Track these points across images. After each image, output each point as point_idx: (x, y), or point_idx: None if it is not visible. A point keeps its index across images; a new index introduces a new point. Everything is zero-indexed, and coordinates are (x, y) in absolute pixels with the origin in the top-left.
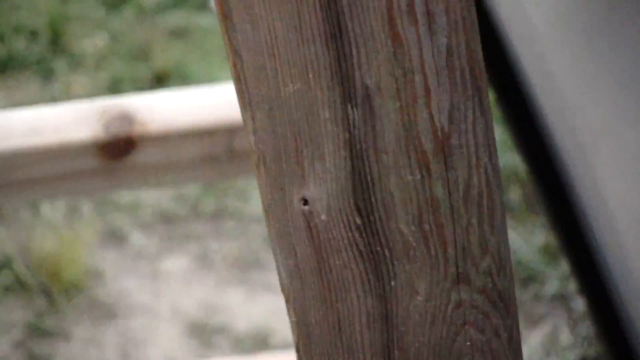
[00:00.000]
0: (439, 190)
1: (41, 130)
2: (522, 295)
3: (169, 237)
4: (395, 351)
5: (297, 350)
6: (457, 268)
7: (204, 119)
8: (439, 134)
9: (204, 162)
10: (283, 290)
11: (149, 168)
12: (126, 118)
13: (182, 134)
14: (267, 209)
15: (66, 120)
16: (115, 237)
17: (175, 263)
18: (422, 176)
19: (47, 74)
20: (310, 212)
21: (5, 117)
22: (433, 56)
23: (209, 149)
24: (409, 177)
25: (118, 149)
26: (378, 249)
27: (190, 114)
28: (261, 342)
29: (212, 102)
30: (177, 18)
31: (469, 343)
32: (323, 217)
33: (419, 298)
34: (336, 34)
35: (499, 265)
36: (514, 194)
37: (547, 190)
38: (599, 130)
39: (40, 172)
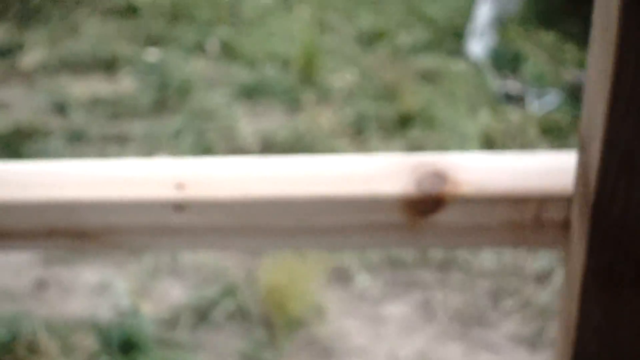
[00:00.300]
0: None
1: (351, 178)
2: None
3: (394, 282)
4: None
5: None
6: None
7: (516, 184)
8: None
9: (508, 229)
10: None
11: (453, 229)
12: (439, 176)
13: (493, 198)
14: None
15: (378, 171)
16: (341, 276)
17: (398, 309)
18: None
19: (293, 104)
20: None
21: (315, 163)
22: None
23: (516, 216)
24: None
25: (426, 206)
26: None
27: (503, 178)
28: None
29: (525, 167)
30: (429, 61)
31: None
32: None
33: None
34: None
35: None
36: None
37: None
38: None
39: (341, 221)
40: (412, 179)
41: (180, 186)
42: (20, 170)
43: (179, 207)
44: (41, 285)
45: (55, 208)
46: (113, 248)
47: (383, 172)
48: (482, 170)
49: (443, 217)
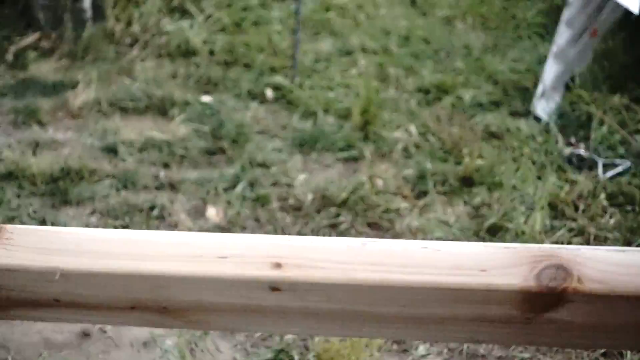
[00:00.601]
0: None
1: (464, 267)
2: None
3: (453, 353)
4: None
5: None
6: None
7: None
8: None
9: (631, 329)
10: None
11: (572, 327)
12: (562, 269)
13: (617, 296)
14: None
15: (494, 261)
16: (400, 346)
17: None
18: None
19: (351, 157)
20: None
21: (426, 247)
22: None
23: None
24: None
25: (546, 302)
26: None
27: (630, 275)
28: None
29: None
30: (493, 120)
31: None
32: None
33: None
34: None
35: None
36: None
37: None
38: None
39: (449, 312)
40: (531, 271)
41: (277, 266)
42: (106, 237)
43: (275, 287)
44: (85, 337)
45: (140, 281)
46: (200, 326)
47: (499, 262)
48: (607, 266)
49: (563, 314)
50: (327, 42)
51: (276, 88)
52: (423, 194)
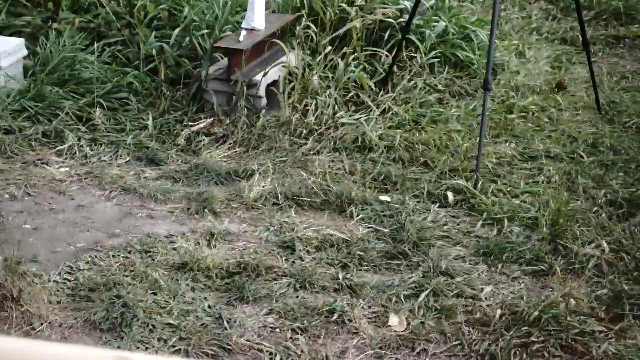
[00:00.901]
0: None
1: None
2: None
3: None
4: None
5: None
6: None
7: None
8: None
9: None
10: None
11: None
12: None
13: None
14: None
15: None
16: None
17: None
18: None
19: (541, 271)
20: None
21: None
22: None
23: None
24: None
25: None
26: None
27: None
28: None
29: None
30: None
31: None
32: None
33: None
34: None
35: None
36: None
37: None
38: None
39: None
40: None
41: None
42: None
43: None
44: None
45: None
46: None
47: None
48: None
49: None
50: (509, 145)
51: (457, 191)
52: (619, 317)
